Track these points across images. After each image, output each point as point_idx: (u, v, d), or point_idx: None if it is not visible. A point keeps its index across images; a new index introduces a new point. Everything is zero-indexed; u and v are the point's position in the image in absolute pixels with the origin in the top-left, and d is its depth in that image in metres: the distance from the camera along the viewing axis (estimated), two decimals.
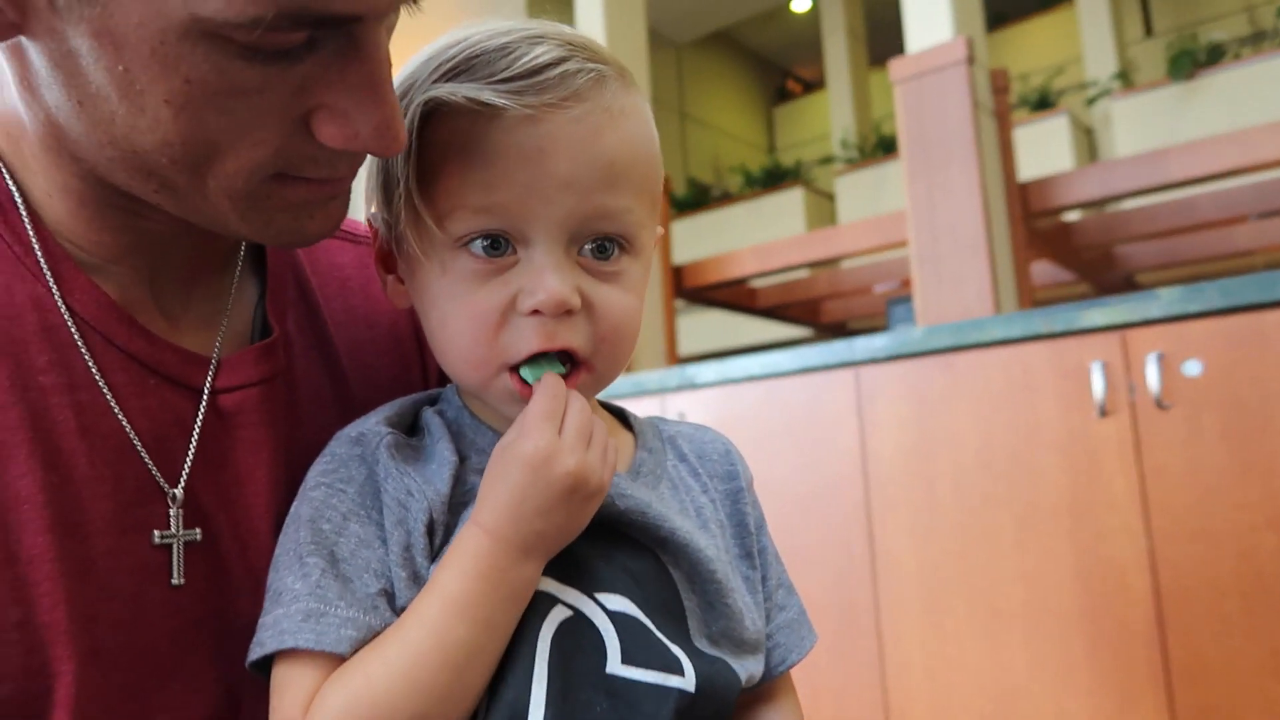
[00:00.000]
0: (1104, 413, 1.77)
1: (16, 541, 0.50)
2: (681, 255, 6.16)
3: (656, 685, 0.54)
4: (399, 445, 0.57)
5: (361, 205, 0.64)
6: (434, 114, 0.54)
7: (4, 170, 0.56)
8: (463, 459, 0.58)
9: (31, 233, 0.55)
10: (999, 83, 4.14)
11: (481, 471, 0.56)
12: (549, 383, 0.54)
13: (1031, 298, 4.05)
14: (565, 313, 0.54)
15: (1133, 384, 1.75)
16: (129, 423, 0.56)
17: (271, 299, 0.66)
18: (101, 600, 0.52)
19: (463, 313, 0.55)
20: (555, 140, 0.52)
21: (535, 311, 0.53)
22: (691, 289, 5.60)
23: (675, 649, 0.56)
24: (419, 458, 0.58)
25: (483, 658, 0.51)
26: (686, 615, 0.59)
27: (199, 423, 0.58)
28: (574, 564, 0.55)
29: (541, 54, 0.53)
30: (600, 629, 0.54)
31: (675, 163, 10.21)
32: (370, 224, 0.62)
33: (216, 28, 0.43)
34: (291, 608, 0.52)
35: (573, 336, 0.55)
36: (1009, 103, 4.28)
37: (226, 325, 0.63)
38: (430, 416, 0.61)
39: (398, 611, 0.53)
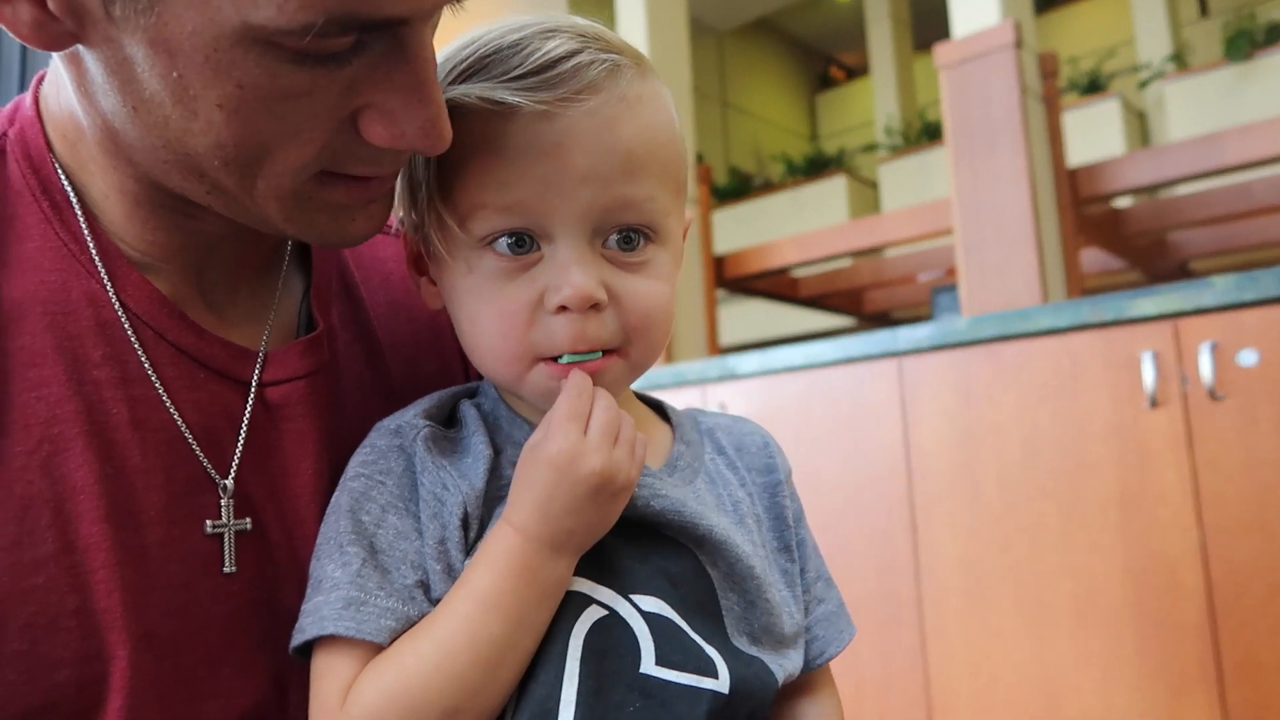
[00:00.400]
0: (1155, 404, 1.73)
1: (74, 530, 0.51)
2: (723, 245, 6.13)
3: (690, 686, 0.54)
4: (436, 438, 0.58)
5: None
6: (451, 116, 0.54)
7: (61, 172, 0.58)
8: (498, 452, 0.58)
9: (87, 232, 0.57)
10: (1048, 67, 4.06)
11: (514, 464, 0.57)
12: (575, 381, 0.54)
13: (1080, 286, 3.97)
14: (592, 307, 0.54)
15: (1185, 374, 1.71)
16: (180, 415, 0.57)
17: (316, 294, 0.67)
18: (154, 588, 0.53)
19: (491, 312, 0.55)
20: (571, 134, 0.53)
21: (563, 308, 0.54)
22: (733, 279, 5.58)
23: (710, 650, 0.56)
24: (455, 450, 0.58)
25: (515, 654, 0.52)
26: (723, 614, 0.58)
27: (247, 415, 0.60)
28: (609, 564, 0.55)
29: (554, 48, 0.53)
30: (635, 629, 0.54)
31: (717, 152, 10.16)
32: (402, 227, 0.63)
33: (268, 35, 0.45)
34: (332, 595, 0.53)
35: (601, 331, 0.55)
36: (1058, 87, 4.20)
37: (273, 320, 0.65)
38: (467, 409, 0.61)
39: (434, 603, 0.54)
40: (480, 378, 0.67)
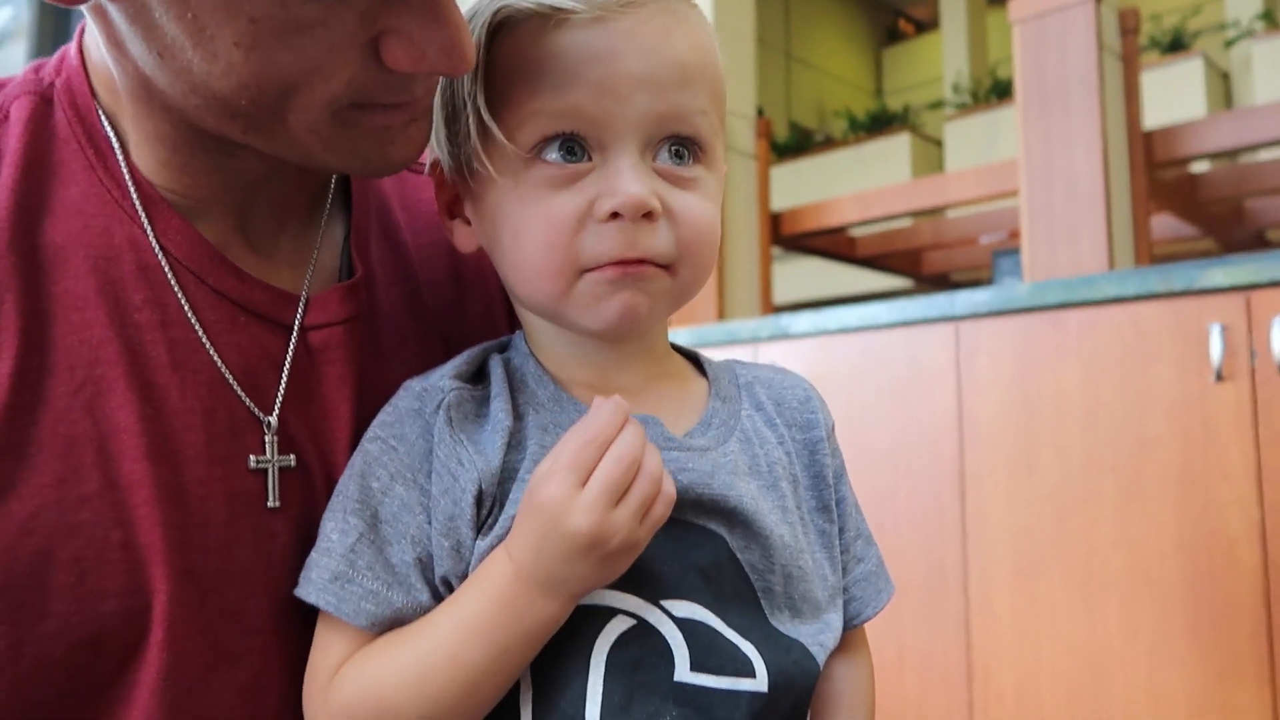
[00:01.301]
0: (1221, 378, 1.68)
1: (116, 468, 0.53)
2: (780, 202, 6.04)
3: (728, 690, 0.53)
4: (460, 403, 0.57)
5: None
6: (500, 28, 0.54)
7: (105, 119, 0.59)
8: (519, 417, 0.57)
9: (129, 177, 0.58)
10: (1128, 23, 3.89)
11: (539, 429, 0.56)
12: (600, 409, 0.51)
13: (1149, 253, 3.85)
14: (644, 217, 0.53)
15: (1254, 348, 1.66)
16: (220, 357, 0.58)
17: (355, 238, 0.67)
18: (195, 525, 0.55)
19: (538, 220, 0.54)
20: (626, 39, 0.53)
21: (614, 216, 0.52)
22: (789, 236, 5.51)
23: (747, 649, 0.54)
24: (477, 417, 0.57)
25: (496, 679, 0.51)
26: (760, 596, 0.57)
27: (289, 357, 0.61)
28: (637, 570, 0.53)
29: None
30: (667, 637, 0.53)
31: (777, 106, 9.98)
32: (434, 170, 0.62)
33: None
34: (323, 561, 0.54)
35: (654, 242, 0.54)
36: (1138, 44, 4.03)
37: (315, 263, 0.65)
38: (495, 365, 0.60)
39: (436, 580, 0.54)
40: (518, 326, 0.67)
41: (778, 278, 7.55)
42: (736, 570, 0.57)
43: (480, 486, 0.54)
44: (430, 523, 0.54)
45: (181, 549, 0.54)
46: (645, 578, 0.53)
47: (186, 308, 0.58)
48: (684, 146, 0.56)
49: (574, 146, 0.54)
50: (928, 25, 11.24)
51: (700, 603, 0.54)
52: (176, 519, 0.54)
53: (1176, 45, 7.46)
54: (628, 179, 0.53)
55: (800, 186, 8.14)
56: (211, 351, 0.58)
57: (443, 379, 0.59)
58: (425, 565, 0.54)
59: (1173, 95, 6.89)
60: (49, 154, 0.57)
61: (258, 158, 0.58)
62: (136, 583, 0.53)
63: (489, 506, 0.55)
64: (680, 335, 2.58)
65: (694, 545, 0.56)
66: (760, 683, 0.53)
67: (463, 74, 0.53)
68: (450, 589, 0.54)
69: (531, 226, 0.54)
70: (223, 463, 0.57)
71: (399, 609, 0.53)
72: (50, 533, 0.51)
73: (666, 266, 0.55)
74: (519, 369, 0.61)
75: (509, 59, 0.54)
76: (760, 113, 4.94)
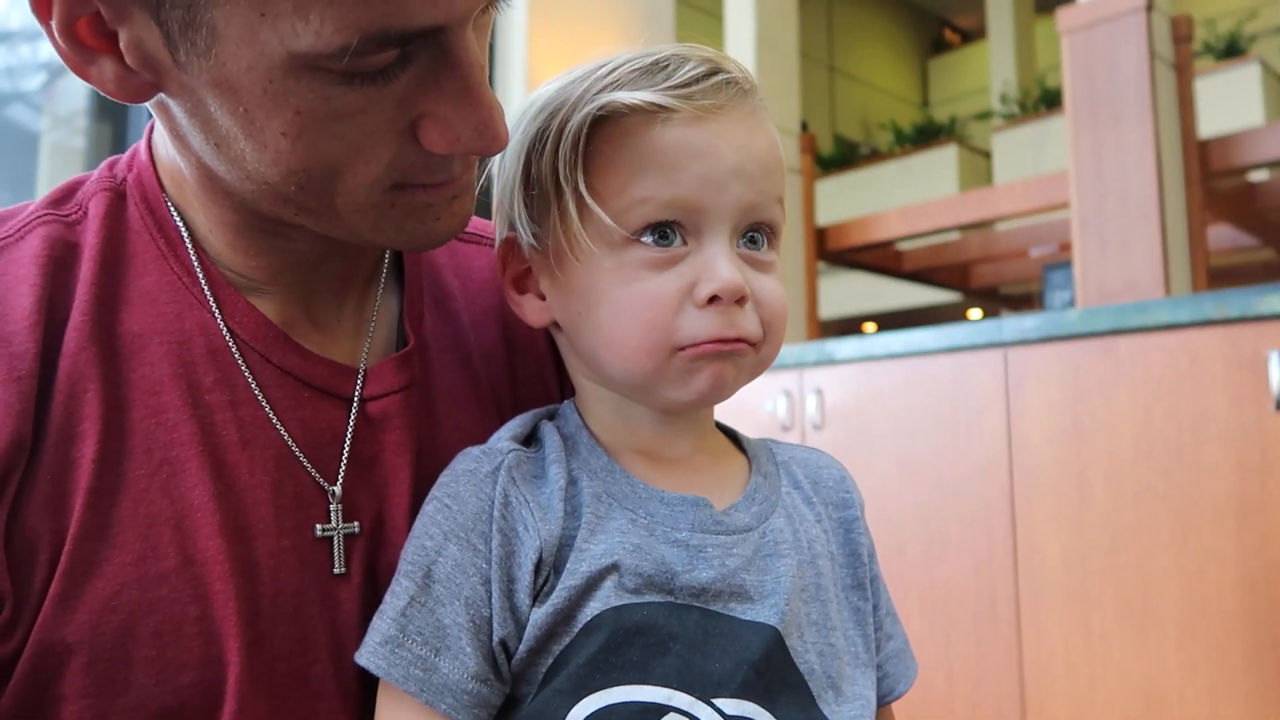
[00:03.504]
0: None
1: (193, 545, 0.55)
2: (825, 216, 6.02)
3: None
4: (519, 464, 0.59)
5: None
6: (604, 119, 0.58)
7: (173, 210, 0.62)
8: (573, 481, 0.59)
9: (197, 265, 0.61)
10: (1181, 31, 3.82)
11: (593, 498, 0.58)
12: None
13: (1206, 265, 3.76)
14: (737, 301, 0.57)
15: None
16: (286, 432, 0.61)
17: (409, 309, 0.70)
18: (266, 596, 0.57)
19: (640, 298, 0.57)
20: (723, 136, 0.58)
21: (713, 299, 0.56)
22: (834, 251, 5.48)
23: None
24: (535, 478, 0.59)
25: None
26: (807, 680, 0.58)
27: (350, 429, 0.63)
28: (689, 669, 0.54)
29: (694, 67, 0.58)
30: None
31: (822, 119, 9.94)
32: (503, 246, 0.65)
33: (313, 60, 0.47)
34: (379, 624, 0.56)
35: (745, 324, 0.58)
36: (1191, 51, 3.94)
37: (373, 336, 0.68)
38: (548, 430, 0.63)
39: (494, 643, 0.55)
40: (570, 392, 0.68)
41: (823, 292, 7.51)
42: (784, 659, 0.58)
43: (541, 554, 0.56)
44: (485, 584, 0.56)
45: (254, 621, 0.56)
46: (696, 675, 0.54)
47: (254, 386, 0.60)
48: (760, 233, 0.60)
49: (668, 232, 0.58)
50: (974, 35, 11.12)
51: (752, 699, 0.55)
52: (249, 592, 0.56)
53: (1232, 50, 7.28)
54: (725, 266, 0.57)
55: (846, 200, 8.09)
56: (279, 427, 0.60)
57: (500, 441, 0.61)
58: (479, 628, 0.55)
59: (1229, 102, 6.72)
60: (124, 246, 0.60)
61: (314, 238, 0.61)
62: (212, 655, 0.55)
63: (545, 575, 0.56)
64: None
65: (744, 640, 0.57)
66: None
67: (497, 153, 0.56)
68: (508, 654, 0.56)
69: (634, 305, 0.57)
70: (291, 534, 0.59)
71: (446, 676, 0.54)
72: (133, 609, 0.53)
73: (753, 345, 0.59)
74: (571, 436, 0.63)
75: (614, 148, 0.58)
76: (804, 127, 4.93)
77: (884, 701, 0.65)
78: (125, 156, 0.66)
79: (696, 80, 0.57)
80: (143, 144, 0.65)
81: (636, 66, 0.58)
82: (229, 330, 0.61)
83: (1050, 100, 8.04)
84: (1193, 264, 3.66)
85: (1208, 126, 5.10)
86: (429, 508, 0.59)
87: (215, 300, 0.61)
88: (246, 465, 0.58)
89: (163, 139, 0.62)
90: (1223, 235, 5.23)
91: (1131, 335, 1.84)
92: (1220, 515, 1.71)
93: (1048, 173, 5.13)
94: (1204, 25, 7.18)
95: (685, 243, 0.58)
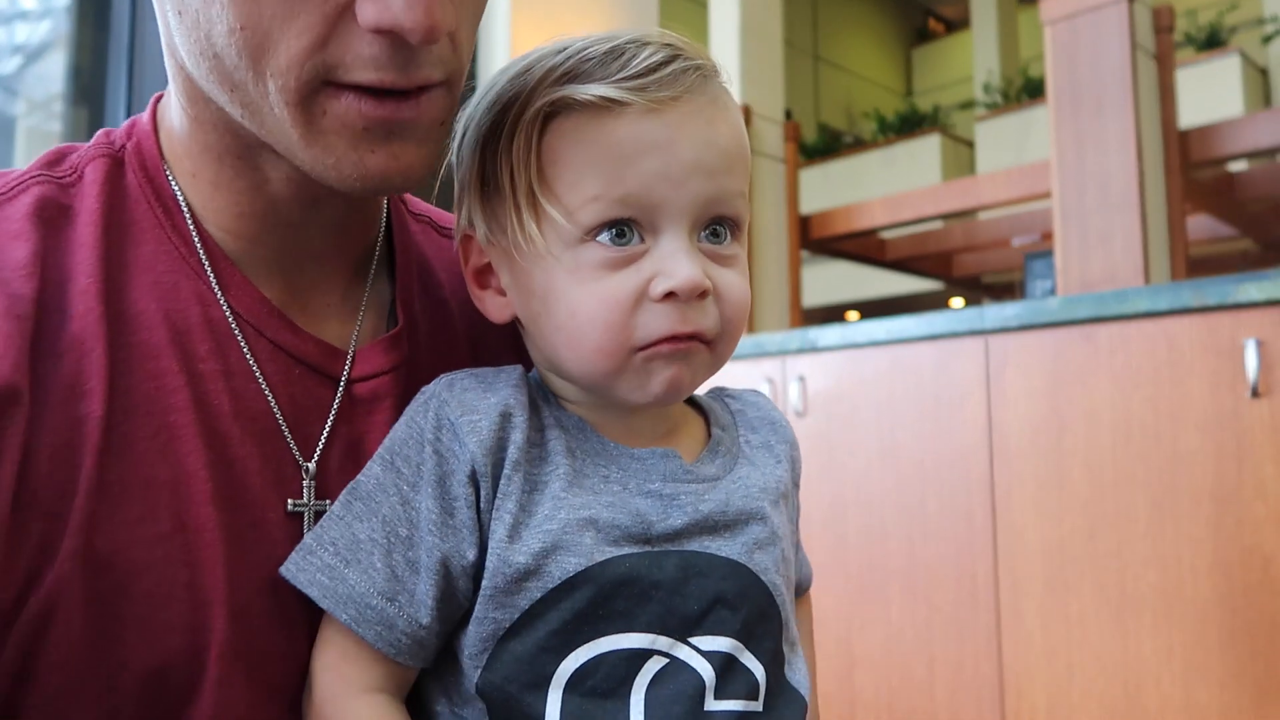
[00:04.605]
0: (1257, 394, 1.66)
1: (187, 511, 0.56)
2: (809, 205, 6.02)
3: (740, 712, 0.56)
4: (455, 384, 0.60)
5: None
6: (555, 114, 0.56)
7: (172, 181, 0.62)
8: (541, 427, 0.60)
9: (195, 236, 0.61)
10: (1162, 21, 3.84)
11: (565, 449, 0.59)
12: None
13: (1186, 255, 3.79)
14: (698, 296, 0.56)
15: None
16: (277, 407, 0.61)
17: (401, 294, 0.70)
18: (248, 566, 0.58)
19: (596, 299, 0.56)
20: (679, 129, 0.56)
21: (669, 296, 0.55)
22: (818, 240, 5.49)
23: (758, 672, 0.58)
24: (479, 391, 0.59)
25: None
26: (779, 610, 0.61)
27: (335, 407, 0.64)
28: (669, 613, 0.56)
29: (651, 54, 0.56)
30: (699, 670, 0.56)
31: (806, 107, 9.94)
32: (461, 248, 0.65)
33: None
34: (303, 539, 0.58)
35: (703, 320, 0.57)
36: (1172, 43, 3.97)
37: (362, 321, 0.68)
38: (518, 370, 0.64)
39: (433, 559, 0.55)
40: None
41: (807, 281, 7.53)
42: (758, 592, 0.59)
43: (474, 466, 0.56)
44: (404, 505, 0.56)
45: (237, 589, 0.57)
46: (676, 620, 0.56)
47: (250, 359, 0.61)
48: (723, 226, 0.59)
49: (624, 230, 0.56)
50: (958, 24, 11.14)
51: (727, 634, 0.57)
52: (235, 561, 0.57)
53: (1213, 42, 7.34)
54: (683, 262, 0.56)
55: (829, 189, 8.11)
56: (271, 401, 0.61)
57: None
58: (393, 546, 0.56)
59: (1209, 93, 6.78)
60: (122, 213, 0.61)
61: (285, 179, 0.61)
62: (199, 621, 0.55)
63: (489, 485, 0.56)
64: None
65: (719, 579, 0.58)
66: (758, 703, 0.58)
67: (428, 43, 0.53)
68: (467, 577, 0.56)
69: (589, 305, 0.57)
70: (275, 507, 0.60)
71: (352, 587, 0.55)
72: (129, 568, 0.53)
73: (708, 343, 0.58)
74: (542, 388, 0.64)
75: (567, 144, 0.56)
76: (788, 115, 4.93)
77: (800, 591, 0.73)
78: (123, 126, 0.66)
79: (653, 69, 0.56)
80: (145, 114, 0.65)
81: (591, 55, 0.57)
82: (225, 302, 0.61)
83: (1033, 90, 8.07)
84: (1172, 253, 3.69)
85: (1188, 117, 5.14)
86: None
87: (213, 273, 0.61)
88: (237, 436, 0.59)
89: (167, 107, 0.63)
90: (1202, 225, 5.27)
91: (1111, 323, 1.86)
92: (1197, 501, 1.73)
93: (1030, 162, 5.16)
94: (1185, 16, 7.23)
95: (642, 240, 0.57)
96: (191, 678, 0.55)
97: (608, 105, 0.55)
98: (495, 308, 0.64)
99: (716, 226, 0.59)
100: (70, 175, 0.61)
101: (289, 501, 0.60)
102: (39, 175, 0.60)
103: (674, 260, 0.55)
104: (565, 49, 0.58)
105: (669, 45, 0.57)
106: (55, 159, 0.62)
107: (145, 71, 1.99)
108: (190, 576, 0.55)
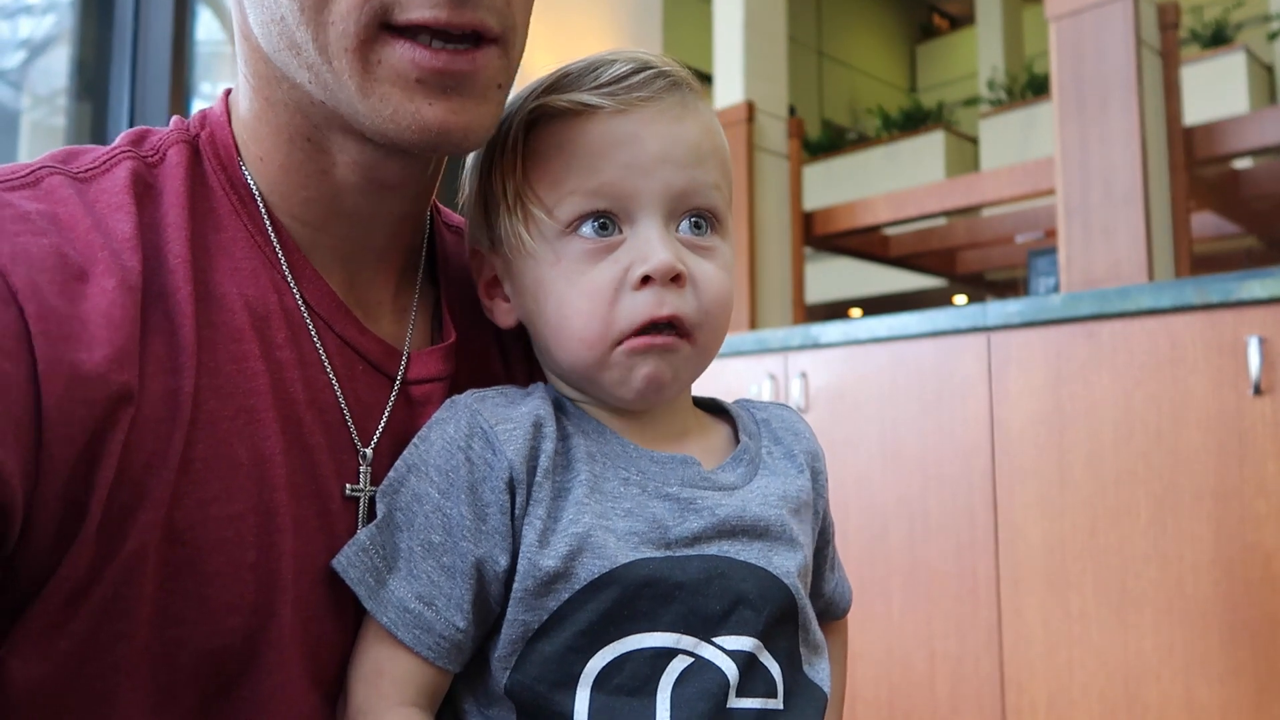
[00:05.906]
0: (1259, 391, 1.66)
1: (263, 494, 0.57)
2: (812, 201, 6.01)
3: (760, 710, 0.58)
4: (487, 399, 0.62)
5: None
6: (536, 123, 0.62)
7: (244, 165, 0.64)
8: (565, 436, 0.61)
9: (269, 225, 0.63)
10: (1168, 18, 3.83)
11: (586, 454, 0.60)
12: None
13: (1190, 252, 3.78)
14: (673, 281, 0.59)
15: None
16: (344, 399, 0.63)
17: (448, 305, 0.72)
18: (313, 553, 0.59)
19: (578, 290, 0.60)
20: (646, 124, 0.61)
21: (646, 281, 0.58)
22: (821, 236, 5.49)
23: (775, 671, 0.60)
24: (508, 405, 0.62)
25: None
26: (798, 611, 0.62)
27: (390, 402, 0.66)
28: (692, 613, 0.57)
29: (623, 66, 0.61)
30: (722, 668, 0.57)
31: (810, 104, 9.93)
32: (472, 264, 0.69)
33: None
34: (357, 535, 0.59)
35: (681, 305, 0.60)
36: (1178, 39, 3.96)
37: (414, 325, 0.71)
38: (536, 387, 0.66)
39: (468, 562, 0.57)
40: None
41: (810, 277, 7.51)
42: (780, 591, 0.61)
43: (511, 474, 0.57)
44: (438, 512, 0.58)
45: (302, 576, 0.58)
46: (699, 620, 0.58)
47: (320, 350, 0.63)
48: (701, 218, 0.62)
49: (606, 223, 0.60)
50: (962, 20, 11.12)
51: (749, 634, 0.59)
52: (302, 548, 0.58)
53: (1218, 39, 7.30)
54: (656, 246, 0.59)
55: (833, 185, 8.10)
56: (338, 393, 0.63)
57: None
58: (429, 552, 0.57)
59: (1214, 90, 6.75)
60: (203, 198, 0.62)
61: (350, 165, 0.62)
62: (262, 603, 0.56)
63: (525, 493, 0.58)
64: None
65: (741, 580, 0.60)
66: (779, 702, 0.59)
67: None
68: (499, 581, 0.57)
69: (572, 297, 0.60)
70: (337, 497, 0.61)
71: (393, 592, 0.57)
72: (201, 545, 0.54)
73: (688, 335, 0.61)
74: (560, 401, 0.65)
75: (547, 147, 0.61)
76: (792, 111, 4.92)
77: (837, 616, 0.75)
78: (195, 116, 0.67)
79: (624, 77, 0.60)
80: (217, 106, 0.67)
81: (570, 70, 0.62)
82: (299, 293, 0.63)
83: (1037, 87, 8.05)
84: (1176, 251, 3.68)
85: (1193, 114, 5.12)
86: (407, 447, 0.62)
87: (286, 263, 0.63)
88: (310, 424, 0.60)
89: (236, 97, 0.65)
90: (1207, 222, 5.26)
91: (1113, 320, 1.86)
92: (1198, 498, 1.73)
93: (1034, 159, 5.15)
94: (1190, 13, 7.21)
95: (621, 231, 0.60)
96: (245, 660, 0.56)
97: (582, 109, 0.60)
98: (502, 314, 0.68)
99: (697, 219, 0.62)
100: (154, 155, 0.62)
101: (346, 486, 0.62)
102: (129, 150, 0.61)
103: (648, 246, 0.59)
104: (554, 72, 0.64)
105: (642, 59, 0.62)
106: (138, 138, 0.63)
107: (149, 66, 2.00)
108: (257, 558, 0.56)
